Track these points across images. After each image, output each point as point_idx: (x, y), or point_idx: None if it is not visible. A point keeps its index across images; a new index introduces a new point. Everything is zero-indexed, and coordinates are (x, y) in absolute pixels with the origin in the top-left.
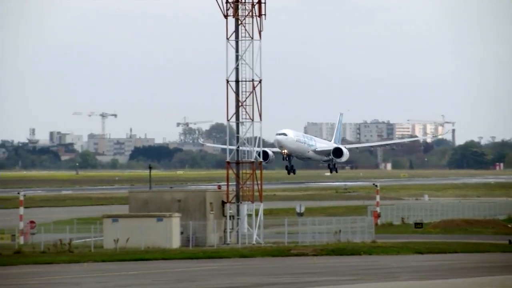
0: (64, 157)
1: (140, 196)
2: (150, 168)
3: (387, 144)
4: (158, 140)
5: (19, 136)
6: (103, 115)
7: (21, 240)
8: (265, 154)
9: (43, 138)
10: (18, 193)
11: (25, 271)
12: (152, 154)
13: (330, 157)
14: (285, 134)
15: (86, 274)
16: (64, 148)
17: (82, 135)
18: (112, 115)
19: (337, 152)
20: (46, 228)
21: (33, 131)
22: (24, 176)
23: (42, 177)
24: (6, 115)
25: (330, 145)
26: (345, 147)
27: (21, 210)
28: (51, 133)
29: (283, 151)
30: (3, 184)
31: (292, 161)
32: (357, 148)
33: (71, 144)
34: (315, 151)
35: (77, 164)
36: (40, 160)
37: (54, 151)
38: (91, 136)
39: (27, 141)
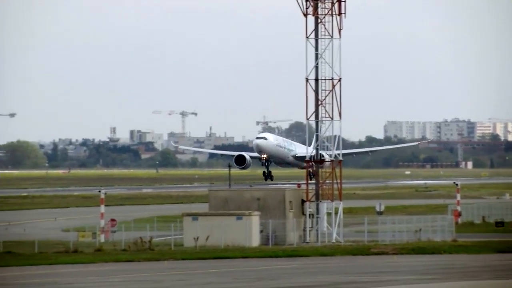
0: (144, 156)
1: (219, 195)
2: (229, 166)
3: (383, 149)
4: (238, 139)
5: (100, 135)
6: (183, 114)
7: (102, 238)
8: (242, 159)
9: (123, 137)
10: (99, 191)
11: (106, 269)
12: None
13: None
14: (265, 138)
15: (167, 272)
16: (144, 146)
17: (162, 133)
18: (192, 113)
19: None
20: (127, 226)
21: (114, 130)
22: (105, 175)
23: (123, 175)
24: (88, 114)
25: (310, 151)
26: (326, 153)
27: (102, 208)
28: (132, 132)
29: (262, 156)
30: (84, 182)
31: (270, 166)
32: (354, 154)
33: (151, 142)
34: (295, 157)
35: (157, 162)
36: (121, 159)
37: (135, 150)
38: (171, 134)
39: (108, 139)
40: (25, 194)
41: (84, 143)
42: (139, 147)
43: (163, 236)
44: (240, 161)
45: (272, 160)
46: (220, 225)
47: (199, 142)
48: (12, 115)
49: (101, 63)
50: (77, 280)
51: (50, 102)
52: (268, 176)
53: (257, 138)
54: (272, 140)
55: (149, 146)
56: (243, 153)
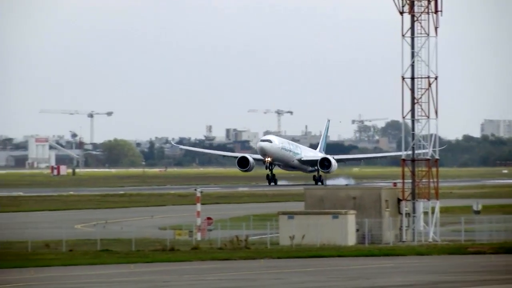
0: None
1: (315, 193)
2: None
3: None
4: (333, 137)
5: (196, 133)
6: (278, 112)
7: (198, 236)
8: (245, 161)
9: (219, 135)
10: (195, 190)
11: (203, 268)
12: (327, 151)
13: (316, 167)
14: (270, 141)
15: (263, 271)
16: (240, 145)
17: (258, 132)
18: (288, 112)
19: (324, 162)
20: (223, 225)
21: (210, 128)
22: (200, 173)
23: (219, 174)
24: (184, 113)
25: (316, 155)
26: (333, 158)
27: (198, 206)
28: (228, 130)
29: (266, 159)
30: (180, 181)
31: (273, 170)
32: (353, 159)
33: (247, 141)
34: (300, 160)
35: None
36: (217, 157)
37: (231, 148)
38: (266, 133)
39: (204, 138)
40: (122, 192)
41: (181, 141)
42: (235, 145)
43: (259, 235)
44: (243, 163)
45: (276, 164)
46: (316, 223)
47: (294, 140)
48: (109, 113)
49: (198, 63)
50: (173, 278)
51: (146, 100)
52: (271, 179)
53: (261, 140)
54: (277, 143)
55: (245, 145)
56: (246, 155)
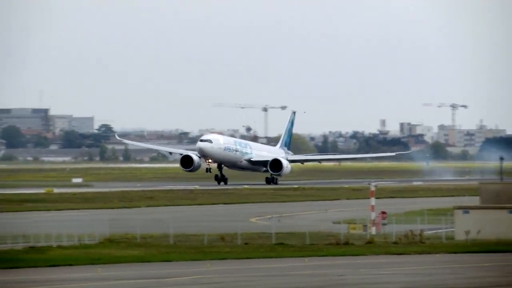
0: (414, 148)
1: (491, 188)
2: (501, 159)
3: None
4: (510, 131)
5: (370, 127)
6: (453, 106)
7: (373, 231)
8: (188, 160)
9: (393, 129)
10: (369, 184)
11: (377, 262)
12: (503, 145)
13: (266, 168)
14: (210, 141)
15: (438, 265)
16: (414, 139)
17: (432, 126)
18: (462, 106)
19: (275, 164)
20: (398, 219)
21: (383, 122)
22: (374, 167)
23: (393, 168)
24: (359, 107)
25: (269, 155)
26: (287, 159)
27: (373, 200)
28: (401, 124)
29: (207, 161)
30: (354, 174)
31: (223, 170)
32: (312, 160)
33: (421, 135)
34: (250, 161)
35: (428, 155)
36: (391, 151)
37: (404, 142)
38: (441, 127)
39: (377, 132)
40: (295, 186)
41: (354, 135)
42: (408, 139)
43: (434, 229)
44: (187, 163)
45: (223, 164)
46: (491, 218)
47: (469, 134)
48: (283, 107)
49: (366, 57)
50: (348, 272)
51: (319, 94)
52: (221, 179)
53: (201, 140)
54: (220, 143)
55: (419, 139)
56: (189, 153)
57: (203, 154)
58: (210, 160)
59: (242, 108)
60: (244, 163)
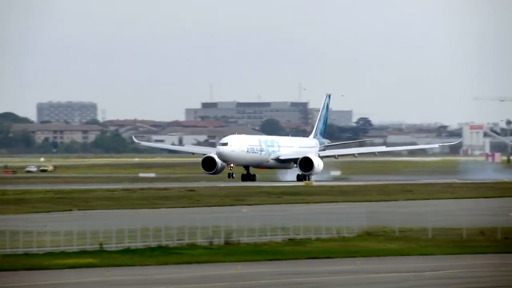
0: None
1: None
2: None
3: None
4: None
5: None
6: None
7: None
8: (211, 162)
9: None
10: None
11: None
12: None
13: (296, 165)
14: (230, 144)
15: None
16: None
17: None
18: None
19: (305, 163)
20: None
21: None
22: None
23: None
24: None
25: (300, 151)
26: (319, 156)
27: None
28: None
29: (229, 165)
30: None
31: (250, 169)
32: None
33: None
34: (277, 160)
35: None
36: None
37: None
38: None
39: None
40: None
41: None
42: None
43: None
44: (209, 165)
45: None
46: None
47: None
48: None
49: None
50: None
51: None
52: (249, 178)
53: (221, 144)
54: (242, 145)
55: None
56: (212, 154)
57: (224, 159)
58: (232, 165)
59: (502, 101)
60: (272, 162)
